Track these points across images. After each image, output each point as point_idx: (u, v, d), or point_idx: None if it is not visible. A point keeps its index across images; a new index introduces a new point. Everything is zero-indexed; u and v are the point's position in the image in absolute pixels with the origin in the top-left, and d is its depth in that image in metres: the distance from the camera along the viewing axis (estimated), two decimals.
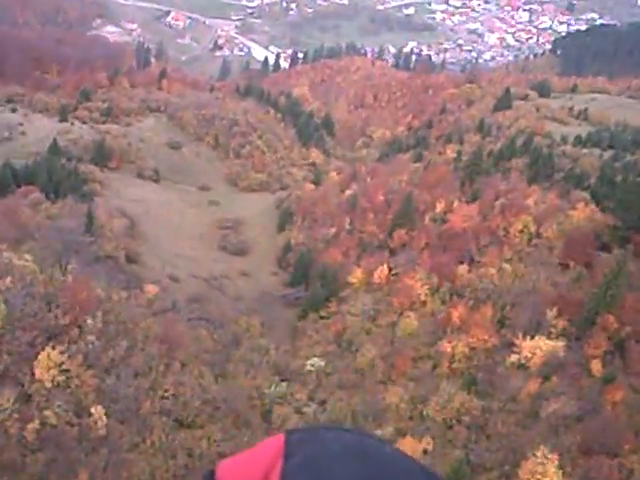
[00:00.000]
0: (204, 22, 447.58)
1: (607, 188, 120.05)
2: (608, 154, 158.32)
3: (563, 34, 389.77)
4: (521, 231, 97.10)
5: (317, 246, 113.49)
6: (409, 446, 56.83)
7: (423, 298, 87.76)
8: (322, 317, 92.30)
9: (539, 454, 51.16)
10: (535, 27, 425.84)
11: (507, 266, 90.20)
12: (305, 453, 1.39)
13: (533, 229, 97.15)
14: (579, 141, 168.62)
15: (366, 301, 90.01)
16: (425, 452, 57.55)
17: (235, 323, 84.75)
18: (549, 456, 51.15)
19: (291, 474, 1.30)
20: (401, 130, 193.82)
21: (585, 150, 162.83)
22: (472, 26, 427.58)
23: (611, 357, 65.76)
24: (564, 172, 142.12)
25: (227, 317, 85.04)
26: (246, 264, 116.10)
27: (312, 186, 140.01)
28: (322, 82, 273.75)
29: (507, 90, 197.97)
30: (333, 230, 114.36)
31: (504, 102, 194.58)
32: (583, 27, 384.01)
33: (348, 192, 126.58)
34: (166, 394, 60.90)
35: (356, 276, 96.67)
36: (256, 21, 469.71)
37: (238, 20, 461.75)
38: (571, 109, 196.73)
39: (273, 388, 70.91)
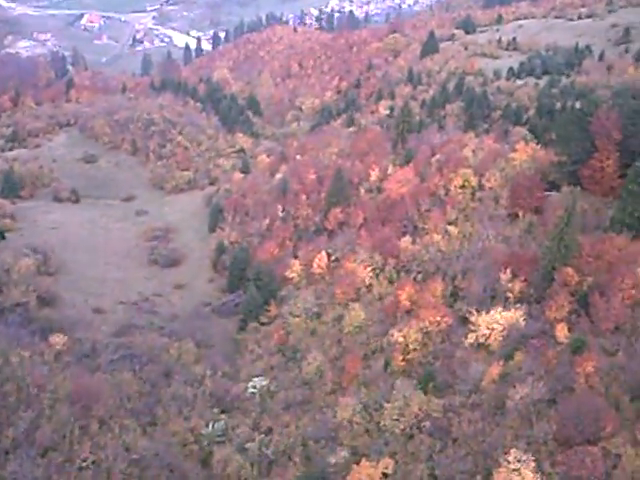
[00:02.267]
0: (120, 19, 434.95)
1: (546, 120, 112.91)
2: (544, 81, 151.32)
3: None
4: (462, 186, 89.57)
5: (252, 242, 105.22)
6: (365, 473, 49.16)
7: (368, 282, 79.96)
8: (263, 323, 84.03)
9: (511, 458, 43.68)
10: None
11: (452, 228, 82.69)
12: None
13: (475, 182, 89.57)
14: (512, 73, 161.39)
15: (308, 297, 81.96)
16: (385, 476, 49.82)
17: (166, 352, 76.02)
18: (523, 458, 43.68)
19: None
20: (330, 96, 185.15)
21: (520, 81, 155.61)
22: None
23: (576, 317, 58.39)
24: (501, 109, 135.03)
25: (156, 347, 76.25)
26: (180, 275, 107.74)
27: (241, 175, 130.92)
28: (246, 59, 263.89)
29: (431, 34, 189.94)
30: (266, 221, 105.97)
31: (430, 47, 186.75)
32: None
33: (278, 176, 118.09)
34: (84, 464, 52.49)
35: (294, 270, 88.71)
36: (173, 8, 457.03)
37: (154, 10, 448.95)
38: (499, 41, 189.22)
39: (211, 427, 62.51)
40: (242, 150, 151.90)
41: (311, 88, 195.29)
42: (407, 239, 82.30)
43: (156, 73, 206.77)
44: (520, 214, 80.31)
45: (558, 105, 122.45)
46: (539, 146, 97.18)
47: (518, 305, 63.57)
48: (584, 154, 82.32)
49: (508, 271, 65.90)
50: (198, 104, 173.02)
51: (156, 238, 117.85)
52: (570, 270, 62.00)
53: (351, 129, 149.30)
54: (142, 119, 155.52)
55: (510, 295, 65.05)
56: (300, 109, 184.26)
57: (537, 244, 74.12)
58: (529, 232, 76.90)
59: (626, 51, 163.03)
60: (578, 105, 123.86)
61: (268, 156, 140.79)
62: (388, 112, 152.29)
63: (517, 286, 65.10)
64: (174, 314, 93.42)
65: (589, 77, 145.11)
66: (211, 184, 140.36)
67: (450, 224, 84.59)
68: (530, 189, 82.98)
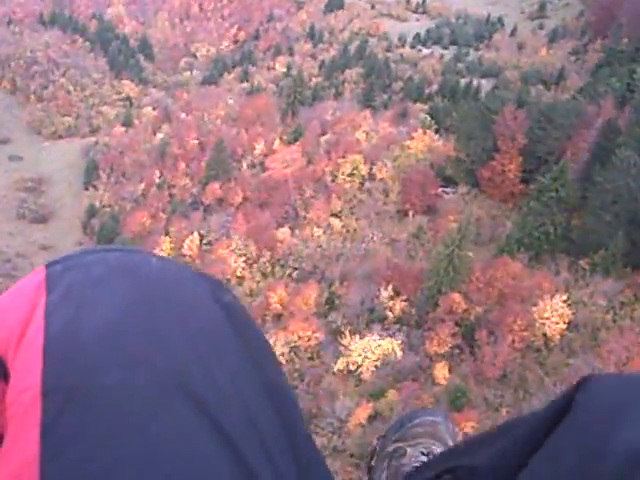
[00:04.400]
0: None
1: (449, 102, 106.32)
2: (451, 53, 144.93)
3: None
4: (351, 174, 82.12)
5: (124, 207, 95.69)
6: None
7: (240, 273, 72.09)
8: None
9: None
10: None
11: (336, 222, 75.43)
12: (66, 283, 1.22)
13: (365, 170, 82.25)
14: (419, 40, 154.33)
15: None
16: None
17: None
18: None
19: (53, 310, 1.14)
20: (227, 45, 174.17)
21: (426, 50, 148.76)
22: None
23: (459, 354, 52.30)
24: (403, 81, 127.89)
25: None
26: (48, 234, 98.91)
27: (122, 129, 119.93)
28: None
29: None
30: (141, 186, 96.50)
31: (335, 2, 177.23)
32: None
33: (159, 135, 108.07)
34: None
35: (164, 249, 79.79)
36: None
37: None
38: (408, 2, 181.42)
39: None
40: (128, 99, 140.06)
41: (209, 34, 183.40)
42: (285, 230, 74.81)
43: (47, 3, 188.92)
44: (410, 214, 73.86)
45: (462, 83, 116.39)
46: (437, 135, 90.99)
47: (397, 327, 57.43)
48: (484, 154, 76.34)
49: (390, 287, 59.17)
50: (87, 44, 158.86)
51: (27, 189, 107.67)
52: (457, 296, 55.74)
53: (244, 85, 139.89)
54: (25, 57, 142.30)
55: (390, 314, 58.51)
56: (195, 56, 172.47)
57: (425, 252, 67.96)
58: (417, 237, 70.33)
59: (540, 27, 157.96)
60: (484, 84, 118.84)
61: (154, 109, 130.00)
62: (285, 70, 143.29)
63: (398, 305, 58.54)
64: None
65: (499, 54, 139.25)
66: (93, 132, 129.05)
67: (334, 215, 77.40)
68: (423, 185, 76.63)
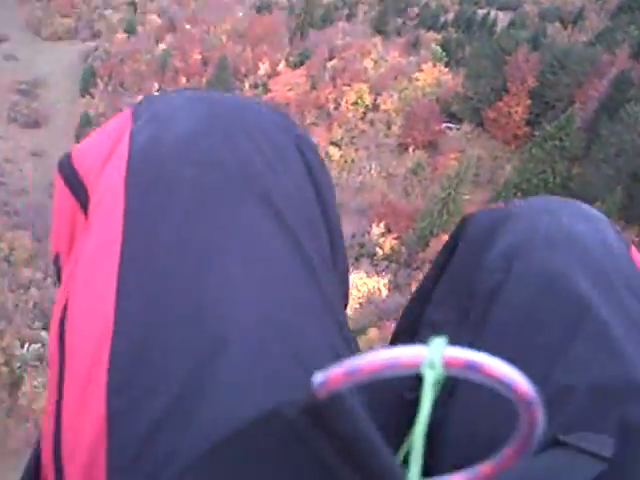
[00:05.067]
0: None
1: (463, 34, 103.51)
2: None
3: None
4: (355, 103, 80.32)
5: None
6: None
7: None
8: None
9: None
10: None
11: (335, 151, 73.96)
12: (151, 112, 1.29)
13: (369, 100, 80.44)
14: None
15: None
16: None
17: None
18: None
19: (138, 131, 1.21)
20: None
21: None
22: None
23: None
24: (419, 6, 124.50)
25: None
26: (39, 140, 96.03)
27: (124, 36, 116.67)
28: None
29: None
30: (139, 98, 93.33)
31: None
32: None
33: (162, 46, 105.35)
34: None
35: None
36: None
37: None
38: None
39: (26, 349, 53.67)
40: (133, 3, 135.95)
41: None
42: None
43: None
44: (410, 149, 72.53)
45: (479, 14, 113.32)
46: (447, 68, 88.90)
47: (385, 264, 56.91)
48: (493, 94, 74.61)
49: (382, 224, 58.41)
50: None
51: (21, 92, 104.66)
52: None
53: None
54: None
55: (379, 251, 57.88)
56: None
57: (422, 190, 67.03)
58: (415, 173, 69.17)
59: None
60: (502, 16, 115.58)
61: (159, 16, 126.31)
62: None
63: (388, 243, 57.85)
64: (23, 189, 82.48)
65: None
66: (94, 37, 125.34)
67: (334, 144, 76.03)
68: (427, 120, 75.09)
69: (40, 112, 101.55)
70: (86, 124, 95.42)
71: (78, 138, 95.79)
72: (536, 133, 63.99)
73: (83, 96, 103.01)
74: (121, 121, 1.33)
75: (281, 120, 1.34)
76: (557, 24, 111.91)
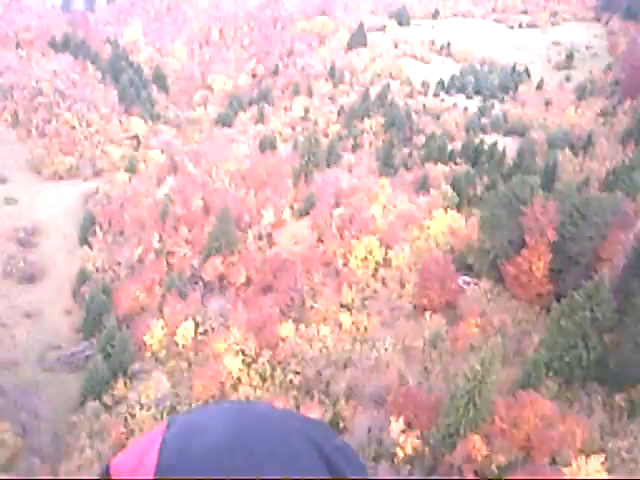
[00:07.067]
0: None
1: (473, 171, 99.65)
2: (474, 104, 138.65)
3: None
4: (364, 259, 75.60)
5: (119, 273, 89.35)
6: None
7: (236, 375, 65.51)
8: (105, 405, 68.41)
9: None
10: None
11: (345, 318, 68.67)
12: (183, 420, 1.59)
13: (380, 255, 75.78)
14: (442, 86, 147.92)
15: (162, 381, 67.08)
16: None
17: None
18: None
19: (170, 440, 1.48)
20: (244, 80, 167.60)
21: (449, 98, 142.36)
22: None
23: None
24: (425, 135, 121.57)
25: None
26: (35, 297, 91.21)
27: (125, 175, 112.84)
28: (169, 11, 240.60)
29: (361, 26, 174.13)
30: (139, 250, 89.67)
31: (358, 39, 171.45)
32: None
33: (163, 189, 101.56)
34: None
35: (155, 335, 73.31)
36: None
37: None
38: (433, 43, 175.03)
39: None
40: (136, 137, 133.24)
41: (227, 65, 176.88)
42: (289, 326, 67.91)
43: (60, 24, 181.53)
44: (427, 315, 67.21)
45: (487, 143, 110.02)
46: (458, 209, 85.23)
47: (408, 467, 51.03)
48: (511, 247, 69.90)
49: (401, 420, 52.63)
50: (98, 72, 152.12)
51: (19, 241, 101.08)
52: (477, 439, 49.20)
53: (259, 127, 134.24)
54: (30, 86, 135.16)
55: (399, 452, 51.91)
56: (211, 88, 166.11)
57: (442, 366, 61.60)
58: (434, 346, 63.77)
59: (567, 79, 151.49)
60: (510, 143, 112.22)
61: (162, 151, 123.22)
62: (302, 114, 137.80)
63: (410, 441, 51.96)
64: (13, 360, 77.60)
65: (525, 110, 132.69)
66: (96, 174, 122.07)
67: (344, 307, 70.98)
68: (442, 278, 70.08)
69: (37, 265, 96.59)
70: (83, 281, 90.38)
71: (75, 296, 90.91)
72: (563, 303, 58.51)
73: (84, 243, 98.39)
74: (154, 433, 1.54)
75: (313, 431, 1.58)
76: (567, 151, 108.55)
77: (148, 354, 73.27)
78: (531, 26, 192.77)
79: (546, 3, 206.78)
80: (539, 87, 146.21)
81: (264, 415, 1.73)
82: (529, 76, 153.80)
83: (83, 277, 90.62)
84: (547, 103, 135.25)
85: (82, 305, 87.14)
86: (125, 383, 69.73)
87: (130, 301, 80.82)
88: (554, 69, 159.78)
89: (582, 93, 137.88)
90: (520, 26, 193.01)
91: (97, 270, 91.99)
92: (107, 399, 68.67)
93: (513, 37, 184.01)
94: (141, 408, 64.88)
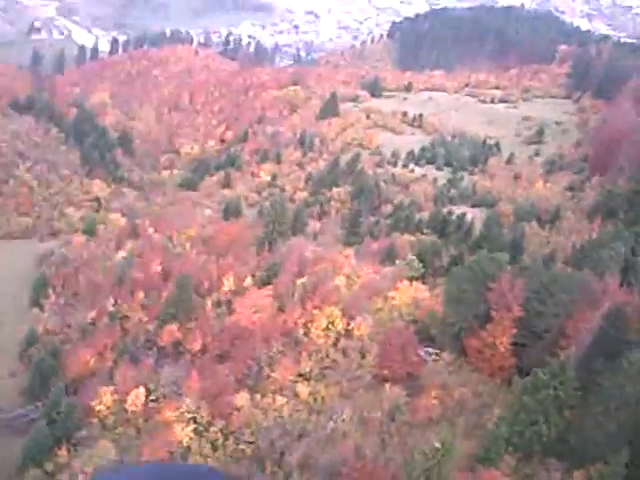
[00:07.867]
0: (17, 1, 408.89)
1: (440, 242, 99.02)
2: (444, 175, 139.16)
3: (403, 15, 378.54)
4: (326, 328, 73.79)
5: (69, 336, 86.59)
6: None
7: (186, 443, 62.83)
8: (47, 473, 65.18)
9: None
10: (374, 7, 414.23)
11: (302, 389, 66.54)
12: (108, 477, 1.99)
13: (342, 325, 74.00)
14: (412, 157, 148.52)
15: (109, 449, 64.07)
16: None
17: None
18: None
19: None
20: (212, 145, 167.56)
21: (418, 169, 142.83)
22: (309, 6, 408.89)
23: None
24: (392, 205, 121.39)
25: None
26: None
27: (83, 239, 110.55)
28: (139, 75, 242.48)
29: (333, 95, 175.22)
30: (92, 314, 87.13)
31: (330, 109, 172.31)
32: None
33: (121, 254, 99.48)
34: None
35: (105, 402, 70.46)
36: (78, 0, 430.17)
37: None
38: (405, 114, 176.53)
39: None
40: (97, 199, 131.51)
41: (195, 130, 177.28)
42: (244, 396, 65.55)
43: (29, 83, 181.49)
44: (387, 386, 65.35)
45: (455, 214, 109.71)
46: (424, 280, 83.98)
47: None
48: (475, 321, 68.52)
49: None
50: (62, 135, 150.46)
51: None
52: None
53: (225, 191, 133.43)
54: None
55: None
56: (177, 153, 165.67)
57: (400, 439, 59.48)
58: (393, 419, 61.75)
59: (536, 154, 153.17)
60: (477, 214, 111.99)
61: (123, 214, 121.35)
62: (269, 179, 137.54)
63: None
64: None
65: (493, 182, 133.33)
66: (53, 235, 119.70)
67: (302, 376, 68.91)
68: (404, 349, 68.40)
69: None
70: (31, 344, 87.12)
71: (22, 358, 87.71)
72: (527, 380, 56.96)
73: (35, 305, 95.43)
74: None
75: None
76: (534, 223, 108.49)
77: (95, 420, 70.43)
78: (503, 101, 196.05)
79: (519, 80, 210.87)
80: (509, 161, 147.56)
81: (185, 472, 1.81)
82: (499, 149, 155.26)
83: (31, 339, 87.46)
84: (516, 177, 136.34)
85: (29, 367, 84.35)
86: (69, 450, 66.51)
87: (80, 365, 78.15)
88: (524, 143, 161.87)
89: (551, 168, 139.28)
90: (492, 101, 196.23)
91: (47, 332, 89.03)
92: (49, 466, 65.53)
93: (485, 111, 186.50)
94: (85, 476, 61.90)
